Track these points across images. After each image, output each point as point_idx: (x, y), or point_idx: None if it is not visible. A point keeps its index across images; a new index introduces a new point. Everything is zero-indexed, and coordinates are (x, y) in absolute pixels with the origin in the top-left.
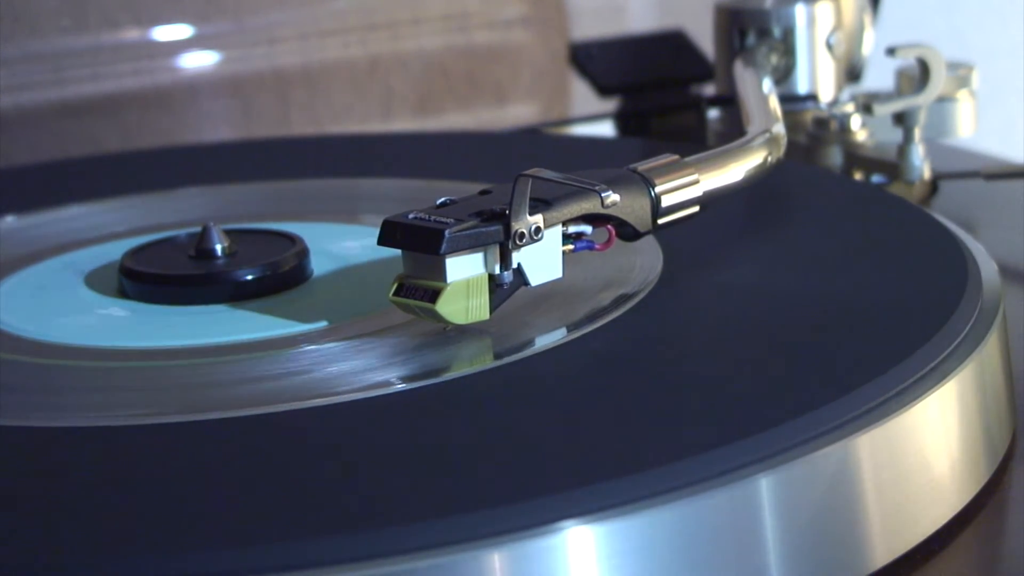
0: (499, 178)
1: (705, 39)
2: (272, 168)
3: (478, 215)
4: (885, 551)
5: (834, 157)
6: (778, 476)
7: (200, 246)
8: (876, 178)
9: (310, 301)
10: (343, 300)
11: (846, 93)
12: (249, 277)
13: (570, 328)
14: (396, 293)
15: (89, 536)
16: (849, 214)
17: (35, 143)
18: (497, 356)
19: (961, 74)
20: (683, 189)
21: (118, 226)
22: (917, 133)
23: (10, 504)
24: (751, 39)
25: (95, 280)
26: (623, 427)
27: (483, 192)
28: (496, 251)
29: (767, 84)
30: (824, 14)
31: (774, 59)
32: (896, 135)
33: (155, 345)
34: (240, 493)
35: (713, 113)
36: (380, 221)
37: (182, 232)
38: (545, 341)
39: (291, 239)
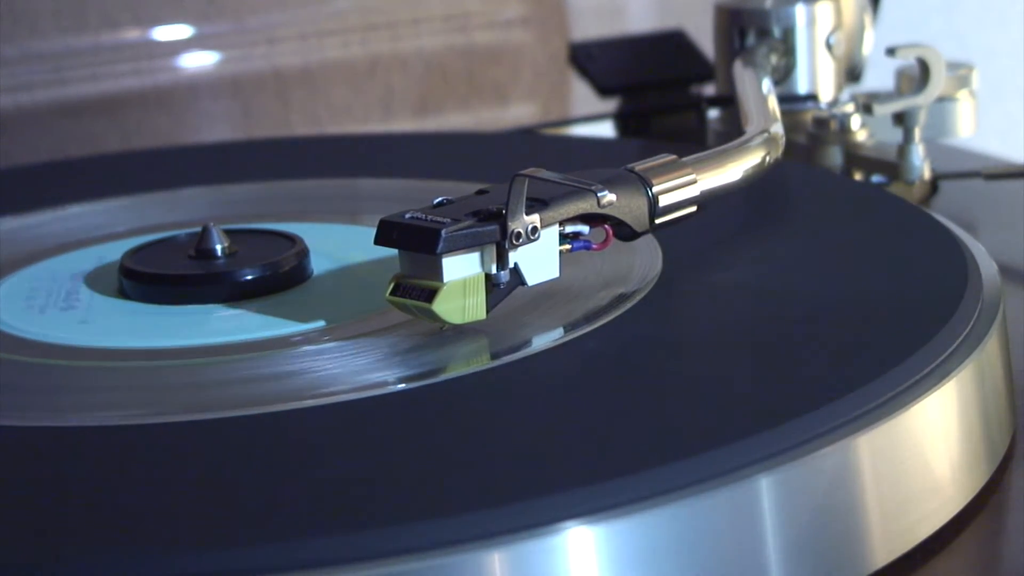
0: (498, 178)
1: (705, 39)
2: (272, 168)
3: (475, 215)
4: (885, 551)
5: (834, 157)
6: (778, 476)
7: (200, 246)
8: (876, 178)
9: (309, 301)
10: (342, 300)
11: (846, 93)
12: (249, 277)
13: (568, 328)
14: (393, 293)
15: (89, 536)
16: (849, 214)
17: (35, 143)
18: (494, 356)
19: (961, 74)
20: (680, 189)
21: (118, 226)
22: (917, 133)
23: (10, 504)
24: (751, 39)
25: (95, 280)
26: (622, 427)
27: (480, 192)
28: (493, 251)
29: (767, 84)
30: (824, 14)
31: (774, 59)
32: (896, 135)
33: (155, 345)
34: (239, 493)
35: (713, 113)
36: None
37: (182, 232)
38: (543, 341)
39: (291, 239)
